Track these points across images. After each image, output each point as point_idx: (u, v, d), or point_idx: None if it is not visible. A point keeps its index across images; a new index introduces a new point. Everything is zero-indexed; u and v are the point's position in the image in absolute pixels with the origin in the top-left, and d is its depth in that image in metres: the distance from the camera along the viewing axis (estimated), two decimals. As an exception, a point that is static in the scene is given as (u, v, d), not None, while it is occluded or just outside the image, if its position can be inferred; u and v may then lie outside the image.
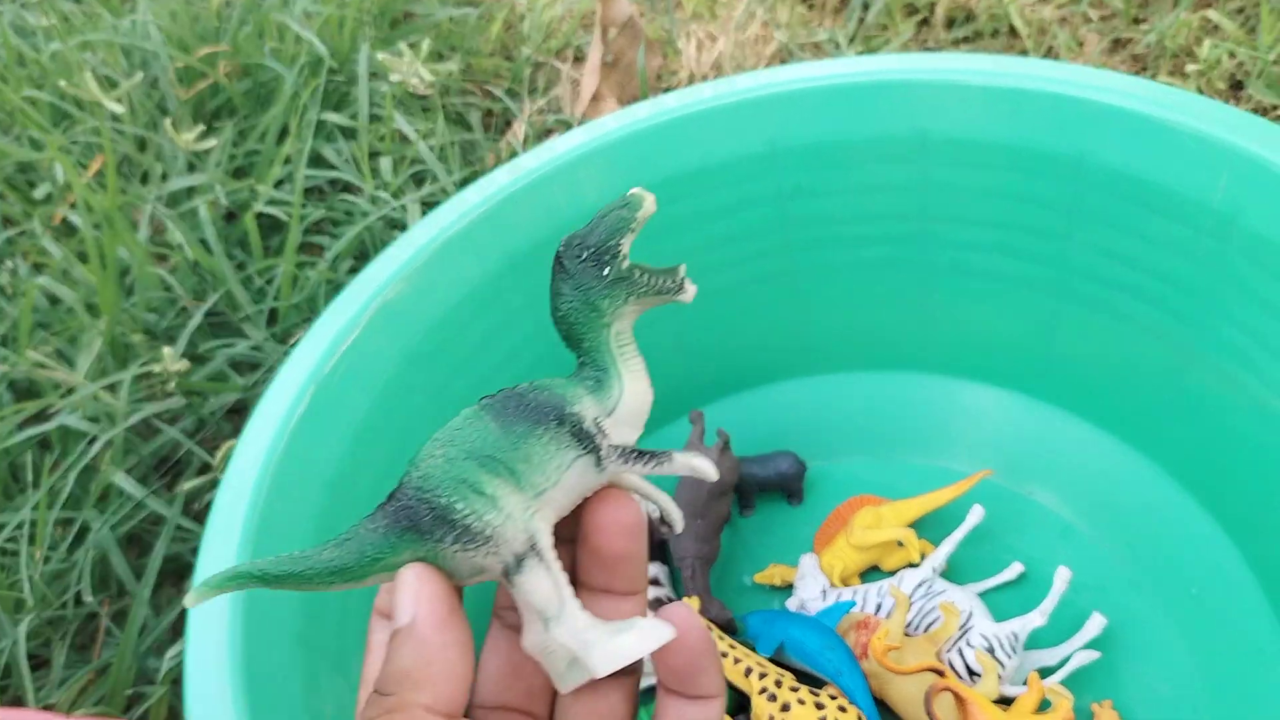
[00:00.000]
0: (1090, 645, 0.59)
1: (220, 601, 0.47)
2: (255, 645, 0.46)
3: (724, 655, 0.56)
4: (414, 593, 0.26)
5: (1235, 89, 0.86)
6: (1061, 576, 0.59)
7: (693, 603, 0.58)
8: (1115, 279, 0.60)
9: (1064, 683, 0.57)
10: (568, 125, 0.91)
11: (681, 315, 0.67)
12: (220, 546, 0.48)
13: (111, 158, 0.73)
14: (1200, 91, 0.84)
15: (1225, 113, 0.54)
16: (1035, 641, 0.59)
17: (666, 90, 0.95)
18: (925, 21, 0.97)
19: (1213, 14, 0.88)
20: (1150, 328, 0.60)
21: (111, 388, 0.70)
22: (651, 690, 0.61)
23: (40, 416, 0.72)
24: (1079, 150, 0.57)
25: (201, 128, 0.74)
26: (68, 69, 0.94)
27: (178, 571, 0.67)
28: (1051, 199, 0.59)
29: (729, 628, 0.61)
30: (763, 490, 0.68)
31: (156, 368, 0.67)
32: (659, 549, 0.65)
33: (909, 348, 0.69)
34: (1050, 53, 0.91)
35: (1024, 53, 0.91)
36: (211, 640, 0.46)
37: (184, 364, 0.66)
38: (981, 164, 0.60)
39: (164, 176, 0.86)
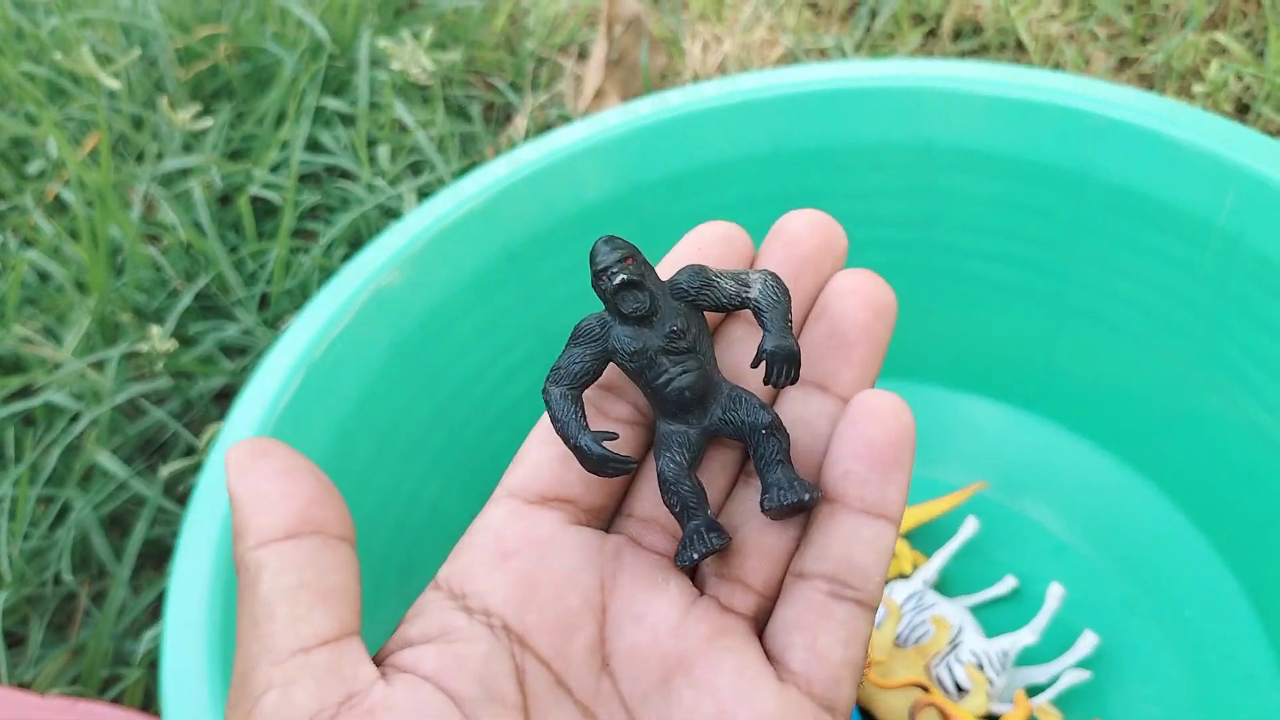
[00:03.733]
0: (1081, 664, 0.58)
1: (200, 582, 0.46)
2: (234, 630, 0.45)
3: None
4: None
5: (1241, 111, 0.85)
6: (1054, 594, 0.59)
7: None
8: (1116, 293, 0.59)
9: (1054, 701, 0.57)
10: (569, 120, 0.90)
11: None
12: (201, 529, 0.48)
13: (106, 135, 0.72)
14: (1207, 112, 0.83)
15: (1233, 131, 0.54)
16: (1026, 658, 0.59)
17: (670, 89, 0.94)
18: (932, 32, 0.97)
19: (1220, 36, 0.88)
20: (1150, 344, 0.59)
21: (99, 366, 0.69)
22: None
23: (25, 392, 0.71)
24: (1084, 163, 0.57)
25: (199, 108, 0.73)
26: (66, 45, 0.92)
27: (158, 555, 0.66)
28: (1055, 210, 0.59)
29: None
30: (754, 495, 0.68)
31: (144, 347, 0.66)
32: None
33: (907, 357, 0.68)
34: (1057, 68, 0.91)
35: (1031, 66, 0.91)
36: (189, 623, 0.45)
37: (172, 344, 0.65)
38: (986, 173, 0.60)
39: (159, 156, 0.85)
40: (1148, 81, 0.89)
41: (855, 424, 0.24)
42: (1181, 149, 0.55)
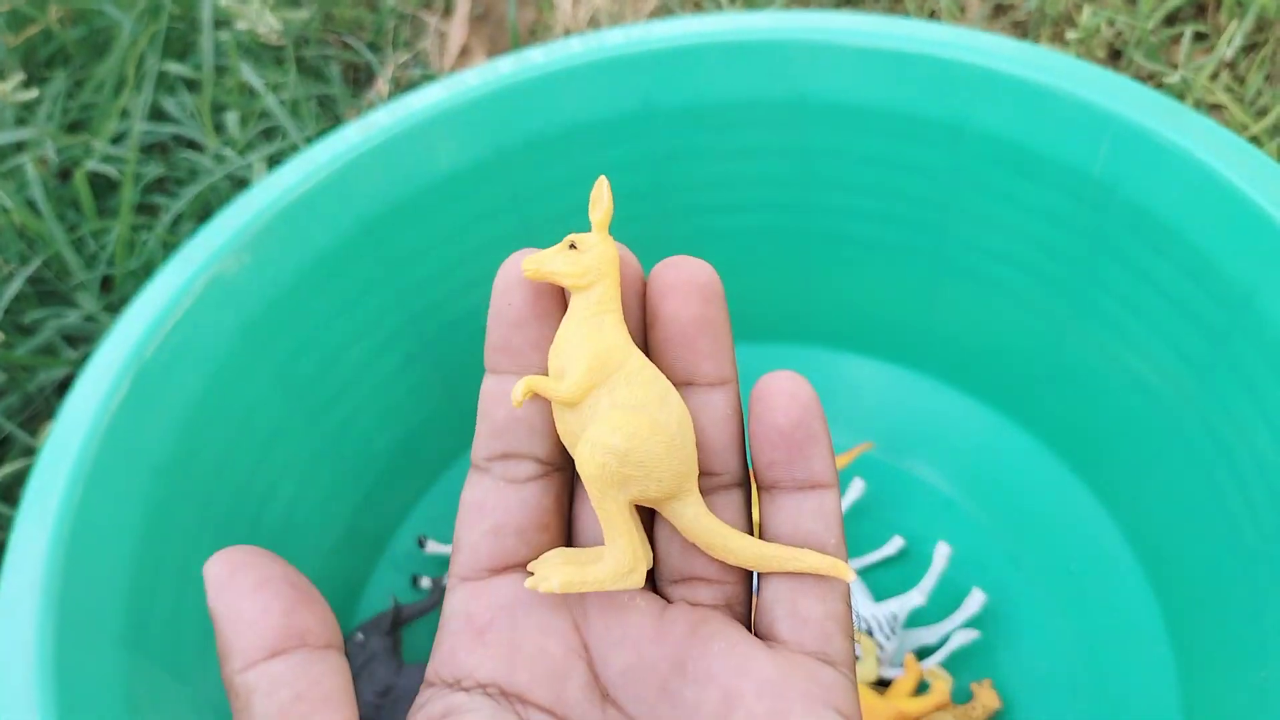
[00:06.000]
0: (970, 623, 0.58)
1: (30, 593, 0.42)
2: (70, 649, 0.42)
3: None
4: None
5: (1114, 57, 0.85)
6: (941, 553, 0.58)
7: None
8: (994, 248, 0.58)
9: (944, 663, 0.56)
10: (434, 80, 0.86)
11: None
12: (29, 543, 0.44)
13: (-81, 108, 0.65)
14: (1081, 59, 0.83)
15: (1107, 79, 0.53)
16: (915, 620, 0.58)
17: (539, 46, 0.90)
18: (809, -19, 0.94)
19: (1092, -19, 0.87)
20: (1027, 299, 0.59)
21: (-80, 364, 0.63)
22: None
23: None
24: (959, 116, 0.55)
25: (21, 76, 0.67)
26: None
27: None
28: (930, 166, 0.57)
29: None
30: (639, 467, 0.65)
31: (-32, 342, 0.61)
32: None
33: (788, 319, 0.67)
34: (933, 16, 0.90)
35: (906, 15, 0.89)
36: (18, 645, 0.41)
37: (-1, 336, 0.59)
38: (861, 129, 0.58)
39: (-12, 130, 0.78)
40: (1022, 29, 0.88)
41: (762, 417, 0.25)
42: (1056, 98, 0.53)
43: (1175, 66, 0.80)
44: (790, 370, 0.26)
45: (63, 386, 0.67)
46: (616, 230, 0.62)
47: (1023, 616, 0.59)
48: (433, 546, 0.61)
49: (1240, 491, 0.50)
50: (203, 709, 0.47)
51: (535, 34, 0.91)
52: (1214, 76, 0.79)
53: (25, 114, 0.79)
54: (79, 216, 0.74)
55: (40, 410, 0.66)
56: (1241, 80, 0.80)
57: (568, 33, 0.90)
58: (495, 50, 0.87)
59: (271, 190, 0.54)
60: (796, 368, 0.71)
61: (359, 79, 0.88)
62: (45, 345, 0.66)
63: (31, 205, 0.72)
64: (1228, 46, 0.80)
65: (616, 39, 0.59)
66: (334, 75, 0.84)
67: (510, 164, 0.59)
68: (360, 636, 0.56)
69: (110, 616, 0.44)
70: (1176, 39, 0.84)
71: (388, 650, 0.56)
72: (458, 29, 0.85)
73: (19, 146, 0.77)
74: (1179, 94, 0.78)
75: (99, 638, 0.43)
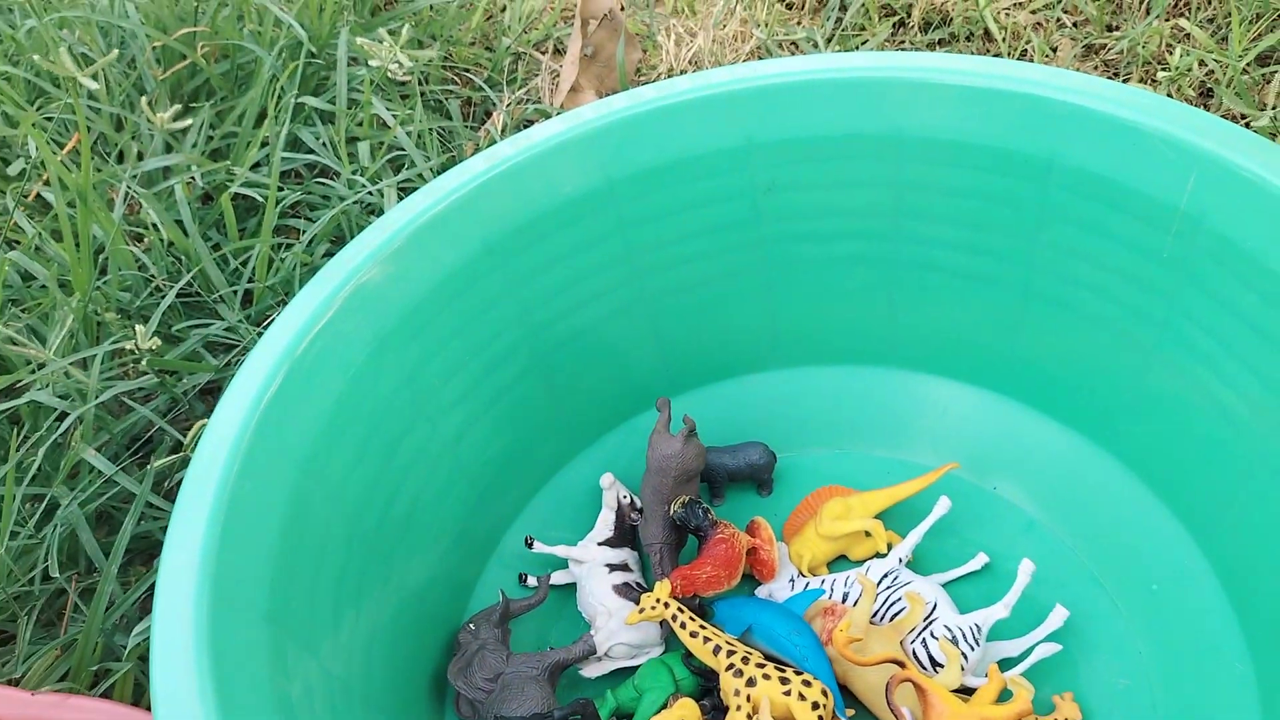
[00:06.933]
0: (1052, 637, 0.59)
1: (187, 575, 0.47)
2: (222, 622, 0.46)
3: (694, 635, 0.57)
4: None
5: (1205, 96, 0.87)
6: (1025, 569, 0.60)
7: (663, 587, 0.59)
8: (1080, 278, 0.61)
9: (1025, 674, 0.58)
10: (546, 116, 0.91)
11: (656, 307, 0.68)
12: (189, 524, 0.48)
13: (86, 135, 0.72)
14: (1170, 98, 0.85)
15: (1194, 116, 0.56)
16: (998, 633, 0.60)
17: (645, 84, 0.95)
18: (902, 23, 0.98)
19: (1184, 22, 0.89)
20: (1114, 327, 0.61)
21: (83, 365, 0.70)
22: (619, 672, 0.61)
23: (10, 392, 0.71)
24: (1049, 151, 0.58)
25: (178, 107, 0.74)
26: (43, 46, 0.93)
27: (148, 549, 0.66)
28: (1020, 198, 0.60)
29: (699, 611, 0.62)
30: (733, 480, 0.69)
31: (128, 345, 0.66)
32: (630, 535, 0.66)
33: (877, 342, 0.70)
34: (1024, 57, 0.92)
35: (998, 56, 0.92)
36: (177, 616, 0.46)
37: (155, 341, 0.65)
38: (953, 163, 0.61)
39: (140, 156, 0.86)
40: (1113, 69, 0.90)
41: None
42: (1144, 134, 0.56)
43: (1266, 106, 0.82)
44: None
45: (205, 390, 0.73)
46: (716, 259, 0.66)
47: (1104, 633, 0.60)
48: (539, 547, 0.65)
49: (1321, 514, 0.52)
50: (329, 679, 0.52)
51: (640, 73, 0.96)
52: (1306, 116, 0.81)
53: (174, 141, 0.86)
54: (221, 236, 0.81)
55: (185, 411, 0.72)
56: (1334, 120, 0.81)
57: (671, 72, 0.95)
58: (603, 88, 0.92)
59: (406, 213, 0.59)
60: (884, 389, 0.74)
61: (476, 114, 0.94)
62: (191, 352, 0.73)
63: (180, 225, 0.78)
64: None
65: (722, 77, 0.64)
66: (455, 110, 0.89)
67: (619, 193, 0.64)
68: (472, 627, 0.61)
69: (257, 594, 0.49)
70: (1269, 78, 0.85)
71: (498, 640, 0.60)
72: (569, 68, 0.91)
73: (167, 171, 0.85)
74: (1270, 133, 0.80)
75: (249, 613, 0.48)
